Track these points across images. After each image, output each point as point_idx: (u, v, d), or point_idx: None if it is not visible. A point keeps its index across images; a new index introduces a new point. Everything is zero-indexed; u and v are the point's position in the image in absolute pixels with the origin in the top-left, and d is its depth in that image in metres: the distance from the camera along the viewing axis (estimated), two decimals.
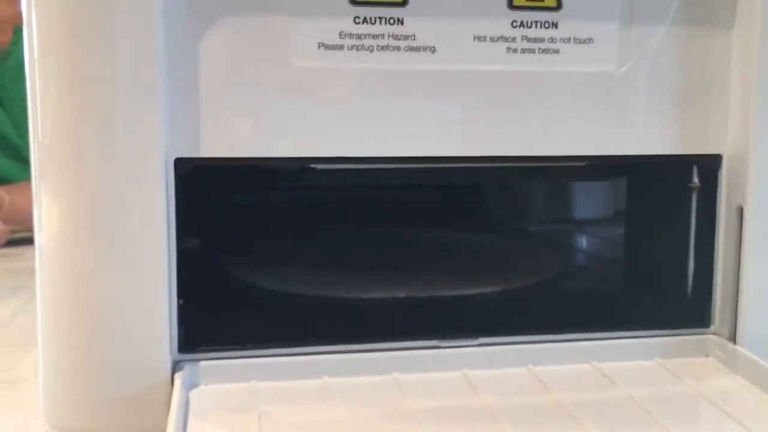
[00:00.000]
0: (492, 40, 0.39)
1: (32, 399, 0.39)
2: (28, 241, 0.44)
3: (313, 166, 0.43)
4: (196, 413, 0.35)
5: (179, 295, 0.38)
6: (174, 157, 0.37)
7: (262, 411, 0.36)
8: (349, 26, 0.38)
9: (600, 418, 0.36)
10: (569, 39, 0.40)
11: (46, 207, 0.36)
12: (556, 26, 0.40)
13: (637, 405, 0.37)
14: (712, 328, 0.44)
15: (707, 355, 0.43)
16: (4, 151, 1.02)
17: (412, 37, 0.39)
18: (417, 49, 0.39)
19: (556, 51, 0.40)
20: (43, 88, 0.36)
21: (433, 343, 0.41)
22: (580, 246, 0.58)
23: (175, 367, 0.38)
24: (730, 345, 0.42)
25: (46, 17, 0.35)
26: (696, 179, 0.45)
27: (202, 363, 0.38)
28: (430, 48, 0.39)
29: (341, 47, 0.38)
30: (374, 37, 0.38)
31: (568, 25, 0.40)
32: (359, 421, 0.35)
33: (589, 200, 0.59)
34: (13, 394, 0.47)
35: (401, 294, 0.47)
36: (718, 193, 0.43)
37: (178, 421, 0.34)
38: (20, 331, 0.56)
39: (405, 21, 0.38)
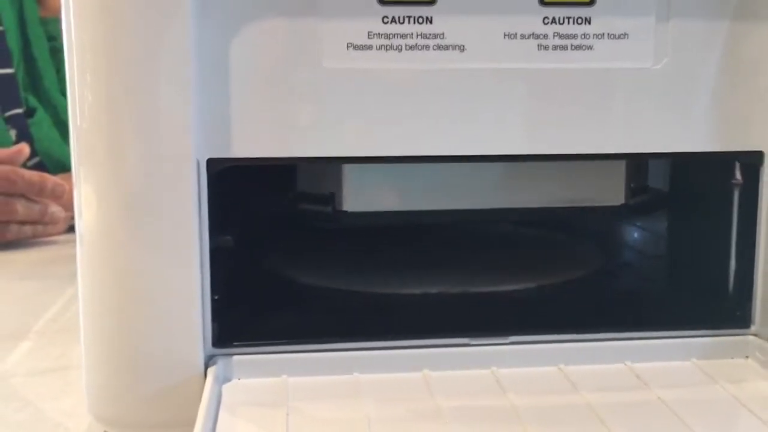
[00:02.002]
0: (523, 37, 0.39)
1: (82, 386, 0.40)
2: None
3: (345, 209, 0.45)
4: (227, 407, 0.36)
5: (214, 291, 0.39)
6: (206, 158, 0.38)
7: (291, 407, 0.37)
8: (378, 26, 0.38)
9: (627, 422, 0.36)
10: (603, 35, 0.39)
11: (85, 194, 0.38)
12: (590, 22, 0.39)
13: (668, 408, 0.37)
14: (752, 328, 0.43)
15: (747, 357, 0.42)
16: (68, 140, 1.06)
17: (441, 36, 0.38)
18: (446, 47, 0.38)
19: (590, 47, 0.39)
20: (80, 76, 0.37)
21: (464, 341, 0.41)
22: (618, 242, 0.57)
23: (209, 361, 0.39)
24: None
25: (82, 10, 0.36)
26: (738, 175, 0.43)
27: (236, 358, 0.39)
28: (460, 47, 0.39)
29: (370, 47, 0.38)
30: (403, 36, 0.38)
31: (602, 20, 0.39)
32: (385, 420, 0.36)
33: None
34: (64, 381, 0.49)
35: (434, 290, 0.47)
36: (759, 191, 0.41)
37: (209, 414, 0.35)
38: (76, 317, 0.59)
39: (434, 20, 0.38)
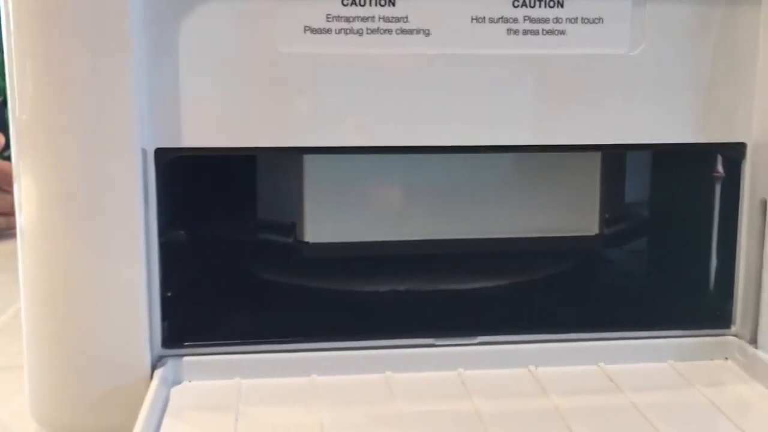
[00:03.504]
0: (491, 21, 0.37)
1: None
2: None
3: (307, 240, 0.43)
4: (172, 411, 0.34)
5: (165, 288, 0.37)
6: (155, 147, 0.36)
7: (241, 411, 0.35)
8: (337, 8, 0.36)
9: (596, 428, 0.34)
10: (576, 19, 0.37)
11: (25, 187, 0.36)
12: (562, 5, 0.37)
13: (640, 414, 0.35)
14: (733, 329, 0.41)
15: (726, 359, 0.40)
16: None
17: (405, 20, 0.36)
18: (410, 32, 0.36)
19: (562, 32, 0.37)
20: (19, 64, 0.35)
21: (429, 341, 0.39)
22: None
23: (158, 362, 0.37)
24: (750, 348, 0.39)
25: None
26: (720, 168, 0.41)
27: (186, 359, 0.37)
28: (424, 30, 0.36)
29: (329, 31, 0.36)
30: (364, 19, 0.36)
31: (575, 3, 0.37)
32: (340, 426, 0.34)
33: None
34: (16, 380, 0.47)
35: (402, 287, 0.45)
36: (741, 185, 0.39)
37: (150, 419, 0.33)
38: None
39: (396, 2, 0.36)
